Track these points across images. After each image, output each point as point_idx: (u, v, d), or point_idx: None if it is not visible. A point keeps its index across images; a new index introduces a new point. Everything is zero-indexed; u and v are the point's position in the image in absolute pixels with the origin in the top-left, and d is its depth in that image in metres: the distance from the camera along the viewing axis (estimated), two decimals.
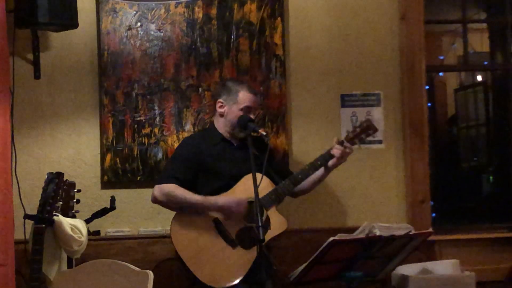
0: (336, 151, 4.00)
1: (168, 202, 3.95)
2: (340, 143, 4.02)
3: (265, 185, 3.93)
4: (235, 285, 3.86)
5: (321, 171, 4.10)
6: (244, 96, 4.08)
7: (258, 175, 3.75)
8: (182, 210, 3.93)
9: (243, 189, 3.94)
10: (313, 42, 4.83)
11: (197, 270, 3.84)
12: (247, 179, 3.91)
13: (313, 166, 4.04)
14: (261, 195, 3.81)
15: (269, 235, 3.90)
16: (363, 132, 4.08)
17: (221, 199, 3.92)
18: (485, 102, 7.47)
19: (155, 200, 3.99)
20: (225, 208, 3.90)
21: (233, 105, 4.08)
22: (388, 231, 3.70)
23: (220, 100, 4.12)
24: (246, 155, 4.00)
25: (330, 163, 4.05)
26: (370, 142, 4.78)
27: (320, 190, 4.58)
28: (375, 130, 4.09)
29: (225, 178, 4.01)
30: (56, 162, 4.54)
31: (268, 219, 3.93)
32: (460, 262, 4.47)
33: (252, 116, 4.06)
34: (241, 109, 4.06)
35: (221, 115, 4.12)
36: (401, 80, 4.89)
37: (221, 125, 4.14)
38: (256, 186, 3.41)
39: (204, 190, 3.98)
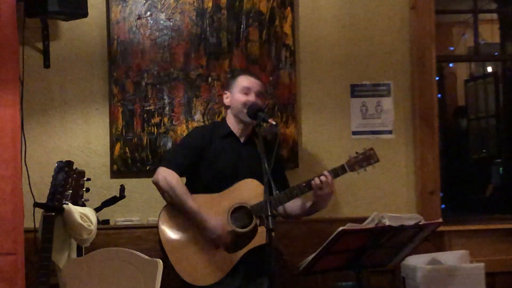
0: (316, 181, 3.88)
1: (164, 193, 3.90)
2: (319, 176, 3.91)
3: (260, 193, 3.78)
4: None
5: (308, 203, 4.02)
6: (241, 79, 4.04)
7: (254, 181, 3.87)
8: (172, 205, 3.89)
9: (235, 195, 3.90)
10: (323, 32, 4.81)
11: (177, 263, 3.80)
12: (243, 185, 3.91)
13: (291, 193, 3.90)
14: (255, 201, 3.83)
15: (254, 243, 3.83)
16: (365, 160, 4.02)
17: (212, 223, 3.81)
18: (495, 93, 7.46)
19: (156, 183, 3.92)
20: (209, 233, 3.81)
21: (234, 89, 4.03)
22: (397, 221, 3.69)
23: (225, 91, 4.10)
24: (251, 153, 3.98)
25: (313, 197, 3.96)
26: (380, 133, 4.79)
27: None
28: (377, 160, 4.01)
29: (224, 176, 3.95)
30: (66, 151, 4.54)
31: (256, 227, 3.84)
32: (469, 253, 4.48)
33: (252, 98, 3.96)
34: (240, 91, 4.00)
35: (228, 106, 4.07)
36: (411, 70, 4.87)
37: (230, 119, 4.07)
38: (266, 173, 3.40)
39: (201, 183, 3.95)
